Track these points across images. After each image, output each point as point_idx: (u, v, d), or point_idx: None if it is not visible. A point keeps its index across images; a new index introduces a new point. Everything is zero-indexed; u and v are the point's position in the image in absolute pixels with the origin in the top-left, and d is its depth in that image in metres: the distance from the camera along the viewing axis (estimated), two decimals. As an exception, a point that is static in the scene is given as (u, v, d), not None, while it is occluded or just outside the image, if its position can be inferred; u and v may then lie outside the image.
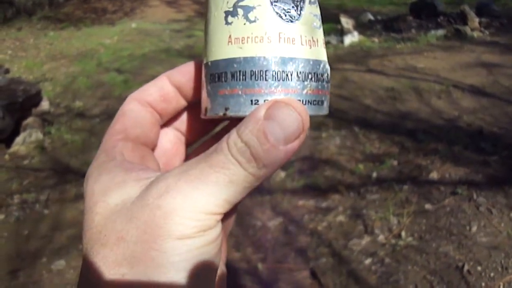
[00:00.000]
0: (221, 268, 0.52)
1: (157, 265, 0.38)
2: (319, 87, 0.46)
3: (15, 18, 12.19)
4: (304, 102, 0.44)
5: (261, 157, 0.39)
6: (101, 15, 12.67)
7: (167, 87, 0.52)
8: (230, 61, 0.45)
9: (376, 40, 7.87)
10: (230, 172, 0.39)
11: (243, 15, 0.44)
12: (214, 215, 0.40)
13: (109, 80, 7.35)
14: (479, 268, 2.63)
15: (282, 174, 3.86)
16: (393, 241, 2.95)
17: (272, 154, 0.39)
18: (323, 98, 0.47)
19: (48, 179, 4.42)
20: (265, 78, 0.44)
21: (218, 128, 0.55)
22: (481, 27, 7.71)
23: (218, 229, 0.41)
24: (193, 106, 0.54)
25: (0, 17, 11.85)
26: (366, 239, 3.00)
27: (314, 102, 0.45)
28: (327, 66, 0.48)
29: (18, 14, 12.38)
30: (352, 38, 7.83)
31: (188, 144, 0.57)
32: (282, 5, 0.45)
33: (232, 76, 0.45)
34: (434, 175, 3.55)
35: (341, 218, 3.27)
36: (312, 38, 0.46)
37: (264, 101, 0.43)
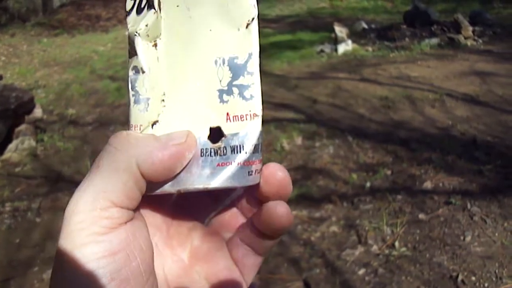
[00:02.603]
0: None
1: None
2: None
3: (8, 24, 12.18)
4: None
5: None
6: (95, 22, 12.68)
7: None
8: None
9: (369, 48, 7.88)
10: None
11: None
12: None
13: (103, 87, 7.34)
14: (473, 278, 2.62)
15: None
16: (386, 251, 2.94)
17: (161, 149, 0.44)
18: None
19: (40, 187, 4.40)
20: None
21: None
22: (475, 35, 7.73)
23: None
24: None
25: (-6, 23, 11.85)
26: (359, 250, 2.99)
27: None
28: None
29: (11, 20, 12.37)
30: (345, 47, 7.84)
31: None
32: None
33: None
34: (427, 185, 3.55)
35: (334, 228, 3.26)
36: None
37: None
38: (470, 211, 3.18)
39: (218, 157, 0.46)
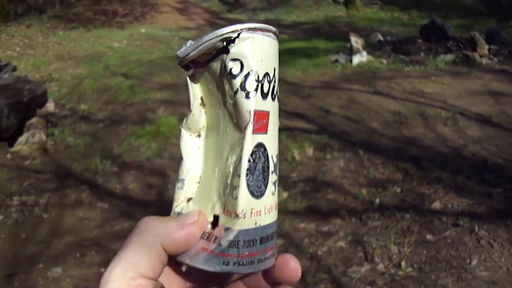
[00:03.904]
0: None
1: None
2: None
3: (25, 15, 12.19)
4: None
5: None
6: (111, 18, 12.67)
7: None
8: None
9: (384, 61, 7.86)
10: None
11: None
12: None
13: (116, 84, 7.36)
14: (477, 303, 2.62)
15: (284, 194, 3.84)
16: (392, 270, 2.93)
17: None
18: None
19: (48, 182, 4.41)
20: None
21: None
22: (490, 54, 7.70)
23: None
24: None
25: (11, 13, 11.85)
26: (365, 267, 2.98)
27: None
28: None
29: (28, 11, 12.39)
30: (360, 58, 7.83)
31: None
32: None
33: None
34: (436, 205, 3.54)
35: (341, 243, 3.25)
36: None
37: None
38: (477, 234, 3.17)
39: (206, 241, 0.52)
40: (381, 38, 9.38)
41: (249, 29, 0.51)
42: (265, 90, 0.52)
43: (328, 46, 9.22)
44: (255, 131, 0.51)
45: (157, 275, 0.50)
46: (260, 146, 0.52)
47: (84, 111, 6.23)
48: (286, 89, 6.35)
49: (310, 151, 4.57)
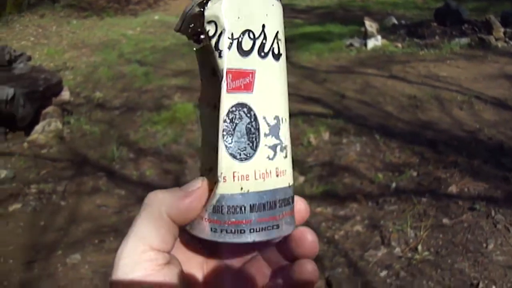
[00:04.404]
0: None
1: None
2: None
3: (38, 5, 12.22)
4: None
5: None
6: (124, 6, 12.68)
7: None
8: None
9: (399, 45, 7.81)
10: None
11: None
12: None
13: (130, 71, 7.37)
14: (493, 287, 2.61)
15: (301, 179, 3.85)
16: (409, 254, 2.93)
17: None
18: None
19: (65, 170, 4.44)
20: None
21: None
22: (506, 37, 7.60)
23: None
24: None
25: (24, 3, 11.87)
26: (382, 251, 2.99)
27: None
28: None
29: (41, 0, 12.41)
30: (375, 42, 7.78)
31: None
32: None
33: None
34: (453, 189, 3.53)
35: (358, 227, 3.25)
36: None
37: None
38: (494, 218, 3.15)
39: (203, 208, 0.51)
40: (395, 21, 9.32)
41: None
42: (246, 48, 0.50)
43: (343, 31, 9.17)
44: (231, 90, 0.50)
45: (169, 247, 0.51)
46: (241, 106, 0.50)
47: (99, 98, 6.25)
48: (301, 74, 6.34)
49: (326, 136, 4.56)
